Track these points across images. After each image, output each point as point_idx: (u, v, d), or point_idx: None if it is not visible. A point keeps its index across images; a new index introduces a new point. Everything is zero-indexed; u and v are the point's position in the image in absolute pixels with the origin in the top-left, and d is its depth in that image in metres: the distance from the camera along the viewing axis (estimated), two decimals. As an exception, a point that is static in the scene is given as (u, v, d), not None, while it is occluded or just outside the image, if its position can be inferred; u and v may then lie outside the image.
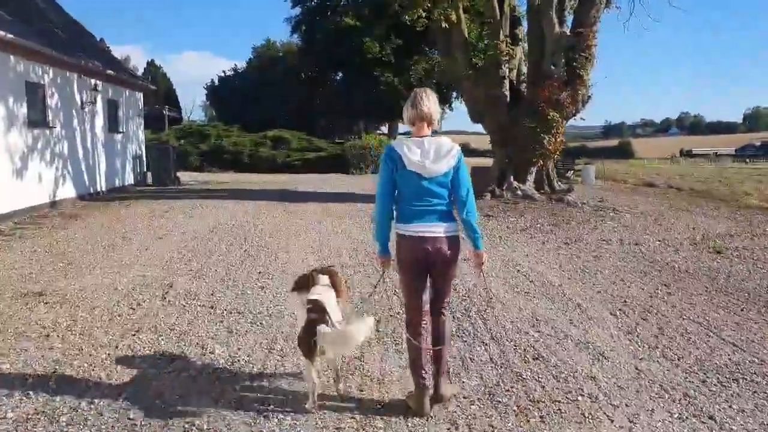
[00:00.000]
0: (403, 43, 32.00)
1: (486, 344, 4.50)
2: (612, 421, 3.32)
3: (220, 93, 42.24)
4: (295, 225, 10.23)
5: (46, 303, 5.44)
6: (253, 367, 4.02)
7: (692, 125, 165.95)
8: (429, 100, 3.37)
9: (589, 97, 13.84)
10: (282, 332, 4.68)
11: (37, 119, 11.80)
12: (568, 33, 13.39)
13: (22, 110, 11.11)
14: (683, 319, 5.21)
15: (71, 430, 3.17)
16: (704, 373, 4.00)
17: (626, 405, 3.52)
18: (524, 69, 15.38)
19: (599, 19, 13.53)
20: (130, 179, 17.47)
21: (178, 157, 21.14)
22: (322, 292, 3.67)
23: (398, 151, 3.31)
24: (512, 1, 14.97)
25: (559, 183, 15.70)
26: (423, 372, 3.35)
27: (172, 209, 12.07)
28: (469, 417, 3.35)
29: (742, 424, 3.32)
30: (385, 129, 41.36)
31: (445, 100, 32.39)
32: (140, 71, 45.53)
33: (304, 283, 3.80)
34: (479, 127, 15.97)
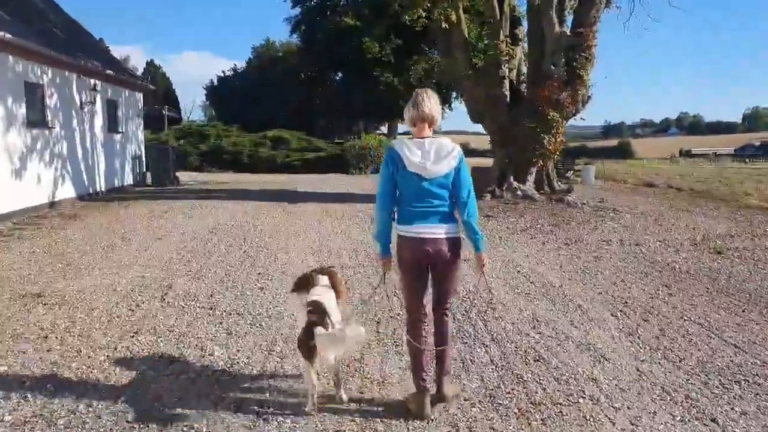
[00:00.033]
0: (403, 43, 31.98)
1: (487, 346, 4.48)
2: (614, 424, 3.30)
3: (220, 93, 42.19)
4: (295, 225, 10.21)
5: (45, 304, 5.42)
6: (252, 369, 4.00)
7: (691, 125, 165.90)
8: (430, 101, 3.37)
9: (589, 97, 13.83)
10: (281, 334, 4.66)
11: (36, 119, 11.77)
12: (568, 33, 13.38)
13: (21, 110, 11.08)
14: (684, 320, 5.19)
15: (69, 433, 3.15)
16: (706, 375, 3.99)
17: (628, 407, 3.50)
18: (524, 69, 15.36)
19: (599, 19, 13.53)
20: (129, 179, 17.45)
21: (177, 158, 21.11)
22: (322, 292, 3.65)
23: (399, 152, 3.29)
24: (512, 1, 14.95)
25: (559, 183, 15.68)
26: (424, 374, 3.34)
27: (172, 210, 12.05)
28: (470, 419, 3.33)
29: (744, 427, 3.30)
30: (384, 129, 41.34)
31: (445, 100, 32.34)
32: (140, 71, 45.47)
33: (304, 284, 3.78)
34: (479, 127, 15.96)
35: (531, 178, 14.34)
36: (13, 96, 10.79)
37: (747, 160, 49.31)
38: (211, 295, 5.76)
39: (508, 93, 14.24)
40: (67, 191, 13.00)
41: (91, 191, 14.31)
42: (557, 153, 14.46)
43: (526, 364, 4.13)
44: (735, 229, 10.12)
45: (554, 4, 13.37)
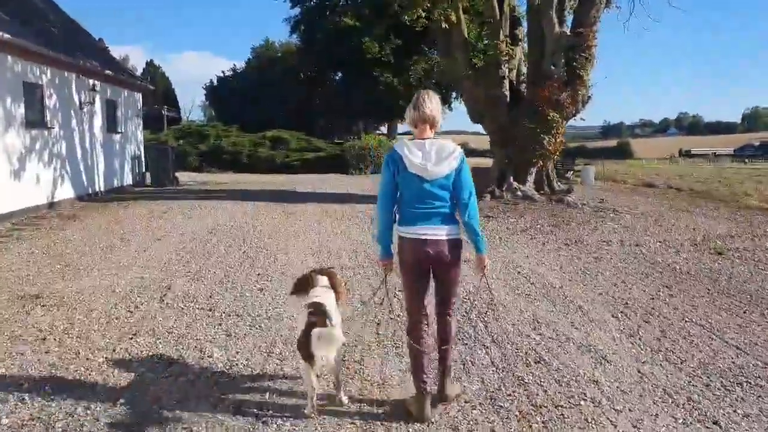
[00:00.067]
0: (403, 43, 31.94)
1: (487, 347, 4.46)
2: (615, 427, 3.28)
3: (219, 93, 42.14)
4: (294, 226, 10.19)
5: (43, 305, 5.40)
6: (251, 370, 3.98)
7: (691, 125, 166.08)
8: (432, 102, 3.35)
9: (589, 97, 13.81)
10: (281, 335, 4.64)
11: (35, 120, 11.75)
12: (568, 33, 13.36)
13: (20, 111, 11.05)
14: (685, 321, 5.17)
15: (67, 436, 3.12)
16: (708, 377, 3.97)
17: (629, 410, 3.48)
18: (524, 69, 15.34)
19: (599, 19, 13.51)
20: (128, 180, 17.42)
21: (176, 158, 21.08)
22: (322, 293, 3.63)
23: (400, 153, 3.28)
24: (512, 1, 14.93)
25: (559, 183, 15.66)
26: (424, 376, 3.32)
27: (171, 210, 12.02)
28: (471, 422, 3.31)
29: (747, 430, 3.28)
30: (384, 129, 41.33)
31: (445, 101, 32.32)
32: (140, 71, 45.47)
33: (304, 286, 3.76)
34: (479, 128, 15.94)
35: (531, 179, 14.32)
36: (11, 96, 10.76)
37: (746, 160, 49.39)
38: (211, 297, 5.74)
39: (507, 93, 14.22)
40: (66, 192, 12.97)
41: (90, 192, 14.28)
42: (557, 153, 14.44)
43: (527, 366, 4.11)
44: (735, 229, 10.10)
45: (554, 4, 13.35)
